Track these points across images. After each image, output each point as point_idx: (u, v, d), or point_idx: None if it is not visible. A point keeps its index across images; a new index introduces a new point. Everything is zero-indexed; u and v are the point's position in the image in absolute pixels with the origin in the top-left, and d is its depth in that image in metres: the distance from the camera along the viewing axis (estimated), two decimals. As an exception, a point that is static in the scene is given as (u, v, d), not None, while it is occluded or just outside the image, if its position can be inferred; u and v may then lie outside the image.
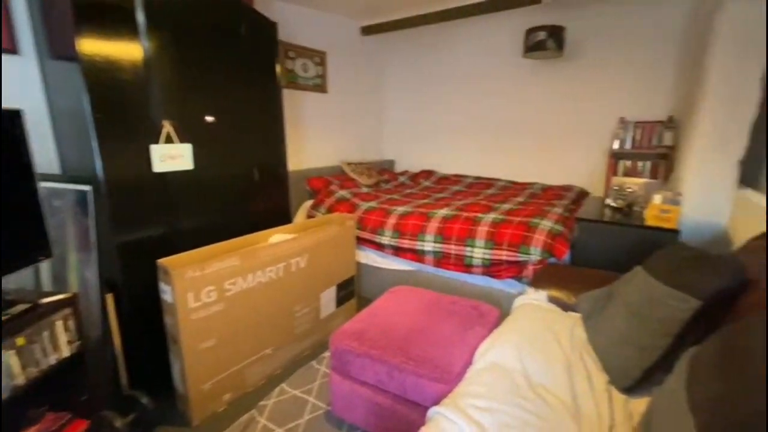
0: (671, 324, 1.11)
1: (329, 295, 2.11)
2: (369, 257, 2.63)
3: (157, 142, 1.64)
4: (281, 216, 2.27)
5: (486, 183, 3.48)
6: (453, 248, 2.17)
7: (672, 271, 1.22)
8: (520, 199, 2.75)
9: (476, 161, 3.89)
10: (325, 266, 2.05)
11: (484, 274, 2.10)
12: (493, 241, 2.05)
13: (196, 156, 1.77)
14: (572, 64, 3.21)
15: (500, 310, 1.70)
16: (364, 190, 3.16)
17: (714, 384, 0.71)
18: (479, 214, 2.25)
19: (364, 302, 2.39)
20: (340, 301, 2.22)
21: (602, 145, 3.21)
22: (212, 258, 1.53)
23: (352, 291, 2.33)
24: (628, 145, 2.99)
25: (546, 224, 2.04)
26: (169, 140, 1.67)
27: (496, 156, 3.77)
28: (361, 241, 2.56)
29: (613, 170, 3.02)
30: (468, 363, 1.33)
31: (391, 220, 2.45)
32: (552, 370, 1.24)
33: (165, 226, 1.73)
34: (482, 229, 2.11)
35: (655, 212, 1.81)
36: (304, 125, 3.30)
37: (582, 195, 2.98)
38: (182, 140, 1.71)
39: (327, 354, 1.96)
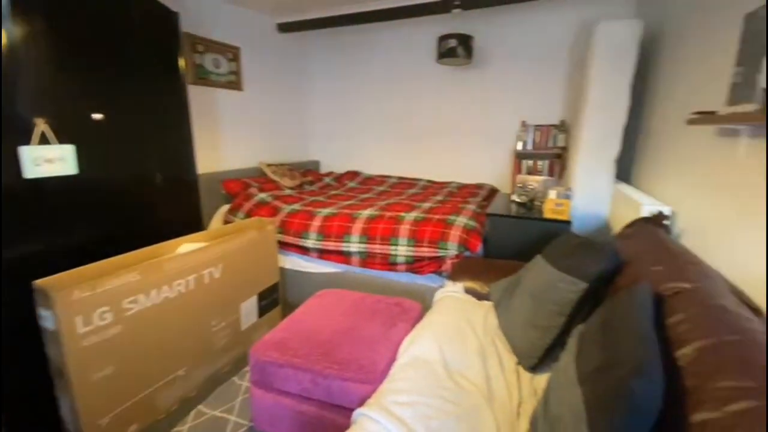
0: (565, 305, 1.26)
1: (250, 305, 2.00)
2: (294, 262, 2.55)
3: (28, 142, 1.39)
4: (192, 223, 2.08)
5: (409, 183, 3.59)
6: (378, 247, 2.20)
7: (564, 257, 1.37)
8: (439, 197, 2.89)
9: (400, 162, 4.00)
10: (244, 275, 1.94)
11: (408, 271, 2.17)
12: (414, 238, 2.13)
13: (82, 159, 1.54)
14: (481, 70, 3.46)
15: (422, 305, 1.77)
16: (287, 192, 3.06)
17: (594, 356, 0.81)
18: (402, 213, 2.32)
19: (290, 309, 2.31)
20: (263, 310, 2.11)
21: (508, 146, 3.52)
22: (107, 274, 1.35)
23: (276, 298, 2.24)
24: (529, 146, 3.32)
25: (461, 220, 2.17)
26: (44, 141, 1.43)
27: (417, 156, 3.92)
28: (284, 246, 2.47)
29: (518, 169, 3.33)
30: (392, 360, 1.36)
31: (316, 223, 2.41)
32: (468, 357, 1.32)
33: (44, 241, 1.48)
34: (405, 228, 2.18)
35: (551, 206, 2.03)
36: (218, 124, 3.09)
37: (493, 192, 3.24)
38: (62, 141, 1.48)
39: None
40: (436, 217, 2.23)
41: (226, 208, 2.82)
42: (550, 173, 3.23)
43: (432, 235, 2.10)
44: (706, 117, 1.32)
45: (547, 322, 1.28)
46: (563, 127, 3.20)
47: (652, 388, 0.59)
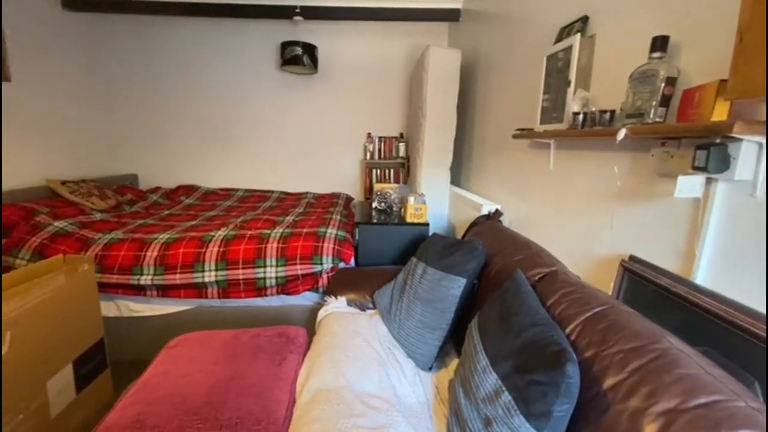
0: (450, 302, 1.36)
1: (63, 380, 1.43)
2: (122, 307, 1.98)
3: None
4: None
5: (260, 195, 3.31)
6: (241, 273, 1.93)
7: (440, 258, 1.49)
8: (299, 209, 2.76)
9: (244, 173, 3.65)
10: (49, 340, 1.37)
11: (280, 293, 1.97)
12: (285, 256, 1.96)
13: None
14: (327, 81, 3.49)
15: (306, 329, 1.63)
16: (98, 217, 2.36)
17: (504, 343, 0.90)
18: (265, 231, 2.10)
19: (126, 369, 1.77)
20: (84, 380, 1.55)
21: (357, 156, 3.68)
22: None
23: (103, 360, 1.68)
24: (376, 156, 3.55)
25: (331, 232, 2.12)
26: None
27: (264, 167, 3.66)
28: (105, 288, 1.89)
29: (369, 177, 3.50)
30: (292, 399, 1.20)
31: (152, 253, 1.93)
32: (370, 374, 1.28)
33: None
34: (272, 246, 1.98)
35: (411, 211, 2.20)
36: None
37: (348, 200, 3.31)
38: None
39: (72, 467, 1.33)
40: (305, 230, 2.11)
41: (-7, 247, 1.96)
42: (396, 180, 3.52)
43: (304, 250, 1.97)
44: (526, 132, 1.66)
45: (438, 321, 1.36)
46: (403, 139, 3.54)
47: (576, 368, 0.69)
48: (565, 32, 1.46)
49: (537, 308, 0.92)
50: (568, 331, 0.86)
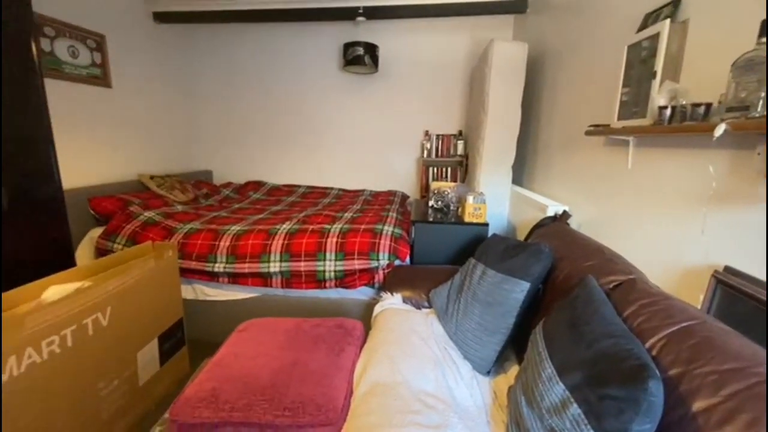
0: (512, 306, 1.31)
1: (150, 353, 1.61)
2: (197, 290, 2.17)
3: None
4: (59, 256, 1.59)
5: (321, 192, 3.44)
6: (303, 265, 2.02)
7: (501, 260, 1.44)
8: (357, 206, 2.82)
9: (305, 169, 3.81)
10: (140, 316, 1.55)
11: (338, 286, 2.04)
12: (344, 251, 2.02)
13: None
14: (387, 80, 3.53)
15: (362, 322, 1.67)
16: (180, 208, 2.61)
17: (573, 353, 0.85)
18: (326, 226, 2.18)
19: (199, 347, 1.96)
20: (166, 355, 1.73)
21: (414, 154, 3.67)
22: None
23: (182, 338, 1.87)
24: (433, 154, 3.51)
25: (388, 229, 2.14)
26: None
27: (324, 164, 3.79)
28: (184, 273, 2.09)
29: (425, 175, 3.48)
30: (349, 390, 1.23)
31: (224, 243, 2.09)
32: (426, 372, 1.27)
33: None
34: (332, 241, 2.05)
35: (470, 210, 2.15)
36: (79, 128, 2.46)
37: (404, 198, 3.32)
38: None
39: (157, 430, 1.49)
40: (362, 226, 2.16)
41: (96, 232, 2.26)
42: (453, 179, 3.46)
43: (362, 246, 2.02)
44: (601, 129, 1.55)
45: (498, 324, 1.31)
46: (461, 137, 3.47)
47: (660, 386, 0.63)
48: (651, 18, 1.33)
49: (612, 318, 0.85)
50: (648, 345, 0.79)
